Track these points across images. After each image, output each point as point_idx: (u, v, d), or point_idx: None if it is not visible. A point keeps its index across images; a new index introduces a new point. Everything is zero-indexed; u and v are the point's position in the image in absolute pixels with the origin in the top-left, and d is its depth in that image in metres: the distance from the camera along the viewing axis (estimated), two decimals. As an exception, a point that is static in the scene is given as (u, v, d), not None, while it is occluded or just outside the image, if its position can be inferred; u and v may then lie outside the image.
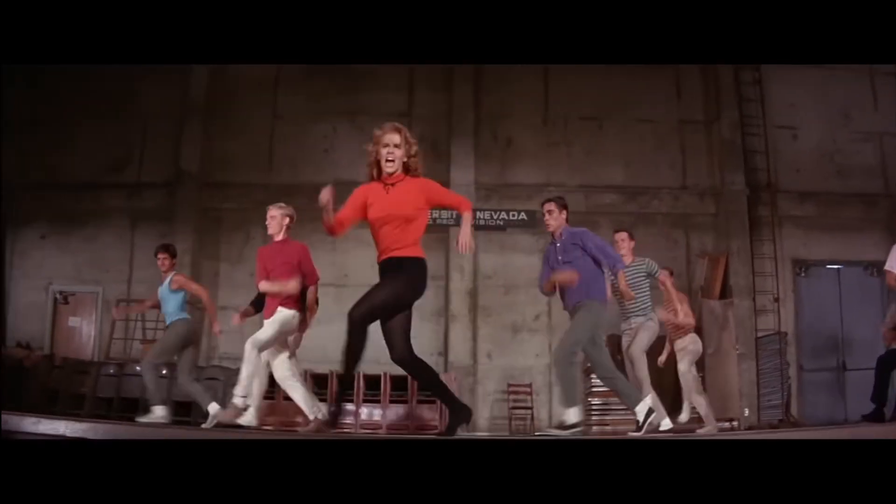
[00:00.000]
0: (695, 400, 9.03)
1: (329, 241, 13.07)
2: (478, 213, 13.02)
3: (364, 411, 11.76)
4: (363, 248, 13.19)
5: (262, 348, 7.07)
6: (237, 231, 13.49)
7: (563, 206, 7.02)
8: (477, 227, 12.90)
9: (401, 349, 5.29)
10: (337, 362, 11.99)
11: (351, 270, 13.07)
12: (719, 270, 13.03)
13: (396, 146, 5.19)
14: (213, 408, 7.79)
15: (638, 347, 7.79)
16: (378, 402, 11.77)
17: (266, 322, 7.26)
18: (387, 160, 5.16)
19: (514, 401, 12.59)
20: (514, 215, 13.11)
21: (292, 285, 7.19)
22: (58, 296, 13.63)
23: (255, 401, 7.32)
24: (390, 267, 5.23)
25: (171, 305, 8.34)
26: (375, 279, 13.29)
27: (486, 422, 12.78)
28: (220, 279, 13.31)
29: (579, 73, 13.08)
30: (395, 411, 11.72)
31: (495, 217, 13.12)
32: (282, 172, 13.54)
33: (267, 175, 13.61)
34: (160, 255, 8.40)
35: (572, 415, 6.54)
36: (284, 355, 7.43)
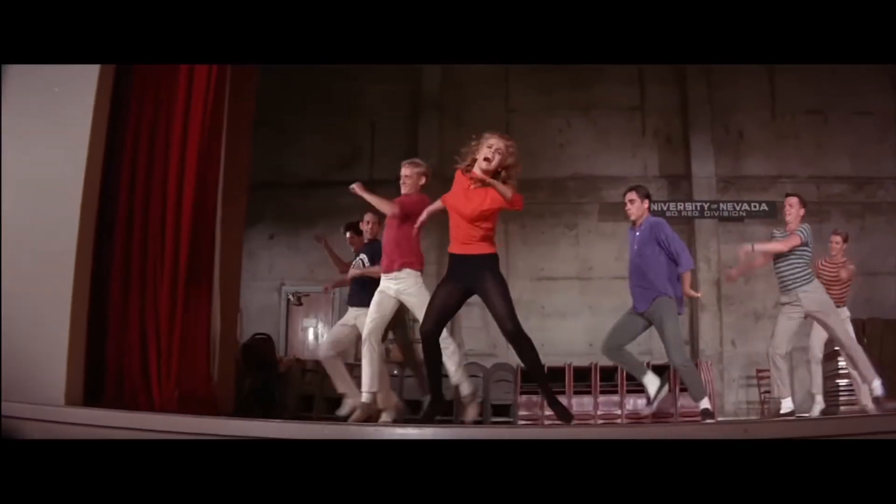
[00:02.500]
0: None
1: (571, 234, 13.57)
2: (720, 205, 13.58)
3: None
4: (606, 241, 13.75)
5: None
6: (476, 225, 13.71)
7: (645, 195, 7.19)
8: (720, 219, 13.47)
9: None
10: (580, 355, 12.49)
11: (595, 263, 13.50)
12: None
13: (498, 150, 5.52)
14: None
15: (845, 333, 7.73)
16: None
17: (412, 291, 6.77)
18: (485, 158, 5.51)
19: (765, 385, 13.10)
20: (755, 206, 13.54)
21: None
22: (291, 297, 13.66)
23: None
24: (481, 266, 5.65)
25: None
26: (619, 272, 13.75)
27: (732, 406, 13.26)
28: (462, 274, 13.57)
29: (802, 67, 13.46)
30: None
31: (738, 209, 13.59)
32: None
33: (504, 169, 13.87)
34: (348, 234, 8.47)
35: (705, 402, 6.95)
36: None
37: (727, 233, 13.57)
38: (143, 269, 6.52)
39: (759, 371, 13.13)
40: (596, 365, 12.01)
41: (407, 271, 6.77)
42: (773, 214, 13.38)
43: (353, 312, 7.54)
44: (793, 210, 7.78)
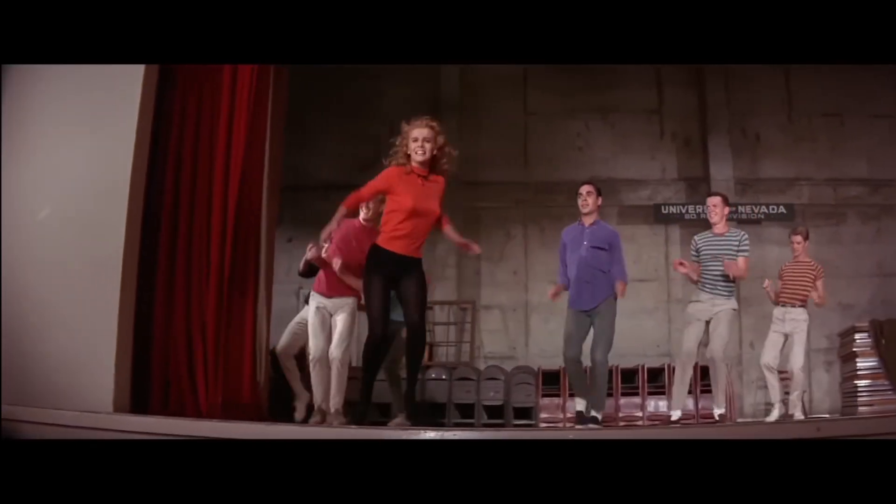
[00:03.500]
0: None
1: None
2: (738, 208, 13.53)
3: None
4: (625, 244, 13.23)
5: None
6: (497, 229, 13.66)
7: (599, 192, 7.42)
8: (738, 221, 13.36)
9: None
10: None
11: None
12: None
13: (426, 140, 5.75)
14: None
15: (721, 346, 7.49)
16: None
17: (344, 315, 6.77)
18: (416, 152, 5.73)
19: (787, 387, 13.03)
20: (773, 208, 13.51)
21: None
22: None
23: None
24: (416, 266, 5.77)
25: None
26: (638, 275, 13.51)
27: (751, 408, 13.22)
28: (482, 278, 13.53)
29: (818, 70, 13.46)
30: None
31: (756, 211, 13.56)
32: (538, 170, 13.81)
33: (523, 172, 13.87)
34: None
35: (596, 409, 7.08)
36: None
37: (745, 235, 13.54)
38: (188, 274, 6.46)
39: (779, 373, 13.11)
40: (617, 367, 11.96)
41: (347, 298, 6.80)
42: (791, 217, 13.38)
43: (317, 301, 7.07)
44: (717, 210, 7.75)
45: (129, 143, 6.05)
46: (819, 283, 8.64)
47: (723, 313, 7.52)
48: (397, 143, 5.88)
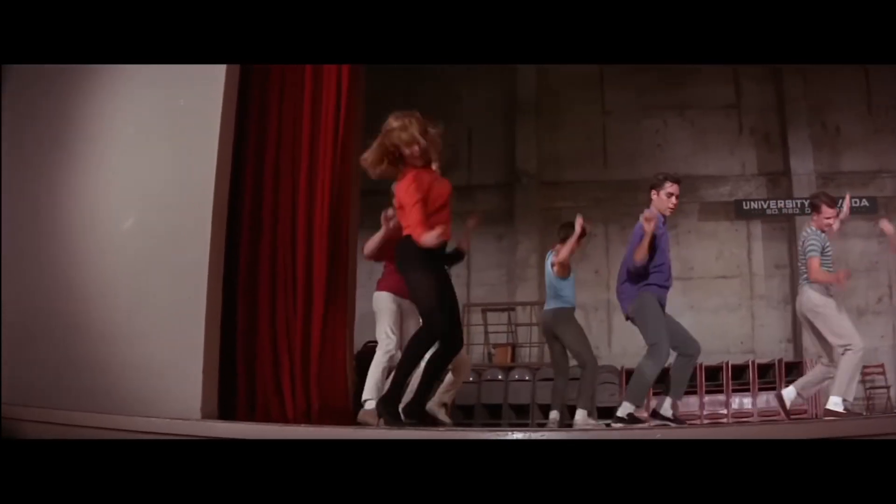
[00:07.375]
0: None
1: (672, 234, 12.98)
2: (819, 202, 13.01)
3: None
4: (706, 241, 13.24)
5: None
6: (577, 228, 13.37)
7: None
8: (819, 215, 12.81)
9: None
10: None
11: (696, 263, 13.05)
12: None
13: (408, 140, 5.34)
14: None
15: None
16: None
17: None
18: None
19: (871, 381, 12.55)
20: (856, 202, 12.91)
21: None
22: (391, 304, 13.23)
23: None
24: None
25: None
26: (720, 271, 13.09)
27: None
28: (564, 278, 13.26)
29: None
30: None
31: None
32: (617, 169, 13.42)
33: (602, 172, 13.48)
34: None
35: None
36: None
37: (831, 229, 13.01)
38: (273, 280, 6.20)
39: (864, 367, 12.56)
40: (701, 365, 11.57)
41: None
42: (875, 209, 12.75)
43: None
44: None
45: (213, 147, 5.67)
46: None
47: None
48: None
